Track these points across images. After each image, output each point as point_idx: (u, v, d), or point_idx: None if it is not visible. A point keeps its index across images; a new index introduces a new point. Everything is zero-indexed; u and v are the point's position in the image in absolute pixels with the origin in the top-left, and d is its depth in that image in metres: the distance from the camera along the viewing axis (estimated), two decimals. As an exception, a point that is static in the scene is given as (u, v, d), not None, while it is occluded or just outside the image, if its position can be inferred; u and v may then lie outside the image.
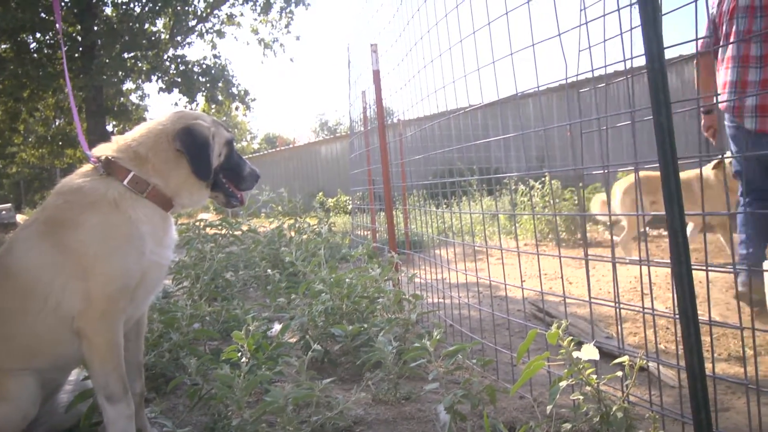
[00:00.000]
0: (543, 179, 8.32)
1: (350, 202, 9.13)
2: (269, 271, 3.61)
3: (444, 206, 9.44)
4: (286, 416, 1.78)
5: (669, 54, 1.60)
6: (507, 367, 2.69)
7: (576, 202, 7.62)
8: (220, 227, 4.43)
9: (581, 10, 1.94)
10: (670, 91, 1.57)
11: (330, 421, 1.90)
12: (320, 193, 17.40)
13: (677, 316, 1.55)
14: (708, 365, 1.64)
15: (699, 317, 1.54)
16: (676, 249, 1.54)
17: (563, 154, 10.18)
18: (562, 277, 2.39)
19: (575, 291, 4.42)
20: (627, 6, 1.77)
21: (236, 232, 4.45)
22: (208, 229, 4.47)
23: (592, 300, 2.06)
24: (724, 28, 3.48)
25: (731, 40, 3.42)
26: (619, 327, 2.10)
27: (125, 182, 1.73)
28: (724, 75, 3.49)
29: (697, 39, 1.83)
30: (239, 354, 2.01)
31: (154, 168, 1.78)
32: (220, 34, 17.18)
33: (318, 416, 1.91)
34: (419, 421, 2.04)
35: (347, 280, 2.92)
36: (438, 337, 2.01)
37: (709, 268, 1.65)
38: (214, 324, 2.94)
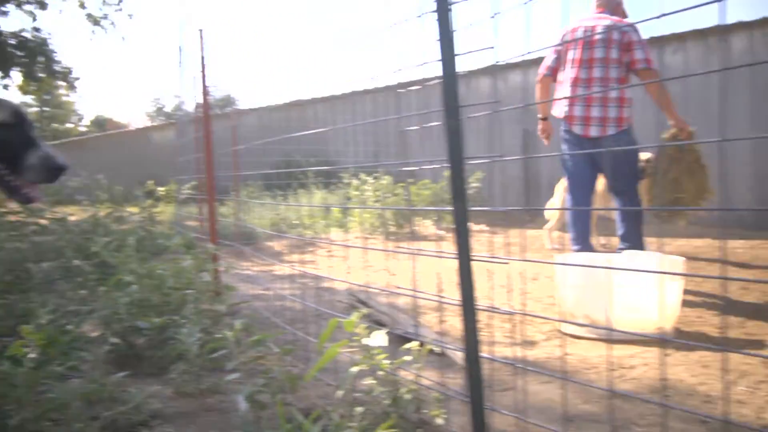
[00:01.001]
0: (376, 174, 8.56)
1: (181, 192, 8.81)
2: (76, 261, 3.39)
3: (280, 198, 9.38)
4: (73, 412, 1.70)
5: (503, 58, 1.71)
6: (320, 356, 2.75)
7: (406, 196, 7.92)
8: (22, 215, 4.08)
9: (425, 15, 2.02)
10: (494, 94, 1.69)
11: (124, 416, 1.84)
12: (151, 181, 16.57)
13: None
14: (493, 349, 1.82)
15: (495, 305, 1.69)
16: (460, 241, 1.66)
17: (397, 151, 10.53)
18: (366, 269, 2.48)
19: (396, 282, 4.60)
20: (431, 12, 1.87)
21: (41, 221, 4.11)
22: (11, 217, 4.11)
23: (393, 290, 2.17)
24: (567, 55, 4.42)
25: (568, 66, 4.37)
26: (419, 315, 2.24)
27: None
28: (561, 92, 4.43)
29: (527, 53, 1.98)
30: (27, 349, 1.88)
31: None
32: (42, 5, 15.75)
33: (110, 411, 1.83)
34: (220, 412, 2.03)
35: (159, 271, 2.83)
36: (240, 328, 2.01)
37: (491, 259, 1.80)
38: (6, 319, 2.71)
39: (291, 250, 6.74)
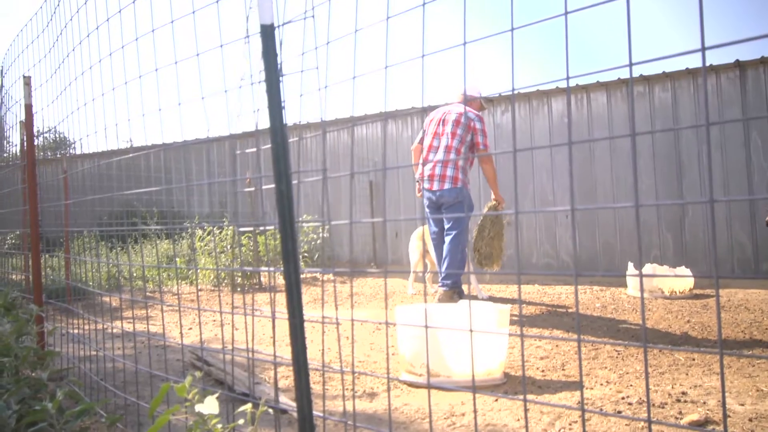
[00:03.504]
0: (221, 224, 8.41)
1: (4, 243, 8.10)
2: None
3: (119, 249, 8.90)
4: None
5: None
6: (153, 422, 2.63)
7: (252, 247, 7.83)
8: None
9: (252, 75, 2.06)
10: (324, 159, 1.75)
11: None
12: (-29, 231, 15.01)
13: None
14: (334, 402, 1.85)
15: (335, 359, 1.73)
16: (291, 303, 1.70)
17: (245, 201, 10.42)
18: (212, 323, 2.45)
19: (240, 337, 4.53)
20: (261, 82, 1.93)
21: None
22: None
23: (229, 348, 2.15)
24: (428, 129, 5.76)
25: (428, 137, 5.72)
26: (261, 371, 2.23)
27: None
28: (424, 156, 5.74)
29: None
30: None
31: None
32: None
33: None
34: (39, 492, 1.89)
35: (-28, 337, 2.59)
36: (61, 396, 1.90)
37: (321, 320, 1.85)
38: None
39: (130, 305, 6.40)
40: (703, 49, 1.09)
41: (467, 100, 5.85)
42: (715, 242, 0.95)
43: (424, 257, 6.56)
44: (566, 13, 1.29)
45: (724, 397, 1.01)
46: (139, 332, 4.02)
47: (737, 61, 7.54)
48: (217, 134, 10.97)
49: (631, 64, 1.20)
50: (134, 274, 7.77)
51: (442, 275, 5.57)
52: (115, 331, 4.29)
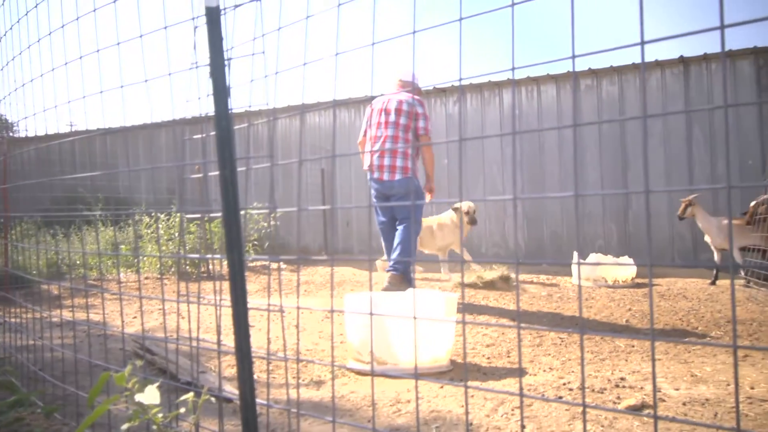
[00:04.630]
0: (170, 210, 8.25)
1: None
2: None
3: (61, 236, 8.62)
4: None
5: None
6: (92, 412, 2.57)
7: (200, 235, 7.70)
8: None
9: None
10: (271, 146, 1.73)
11: None
12: None
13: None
14: (281, 391, 1.83)
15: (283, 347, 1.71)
16: (235, 291, 1.68)
17: (193, 188, 10.24)
18: (156, 312, 2.40)
19: (187, 325, 4.46)
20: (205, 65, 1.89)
21: None
22: None
23: (173, 337, 2.12)
24: (371, 120, 5.69)
25: (372, 128, 5.63)
26: (207, 360, 2.20)
27: None
28: (366, 149, 5.78)
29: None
30: None
31: None
32: None
33: None
34: (-31, 485, 1.82)
35: None
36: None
37: (263, 308, 1.84)
38: None
39: (72, 293, 6.22)
40: (642, 42, 1.12)
41: (405, 86, 5.68)
42: (649, 230, 0.98)
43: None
44: (513, 4, 1.33)
45: (654, 381, 1.04)
46: (80, 321, 3.92)
47: (681, 57, 7.76)
48: (162, 119, 10.72)
49: (573, 56, 1.23)
50: (77, 262, 7.56)
51: (393, 261, 5.59)
52: (54, 320, 4.17)
